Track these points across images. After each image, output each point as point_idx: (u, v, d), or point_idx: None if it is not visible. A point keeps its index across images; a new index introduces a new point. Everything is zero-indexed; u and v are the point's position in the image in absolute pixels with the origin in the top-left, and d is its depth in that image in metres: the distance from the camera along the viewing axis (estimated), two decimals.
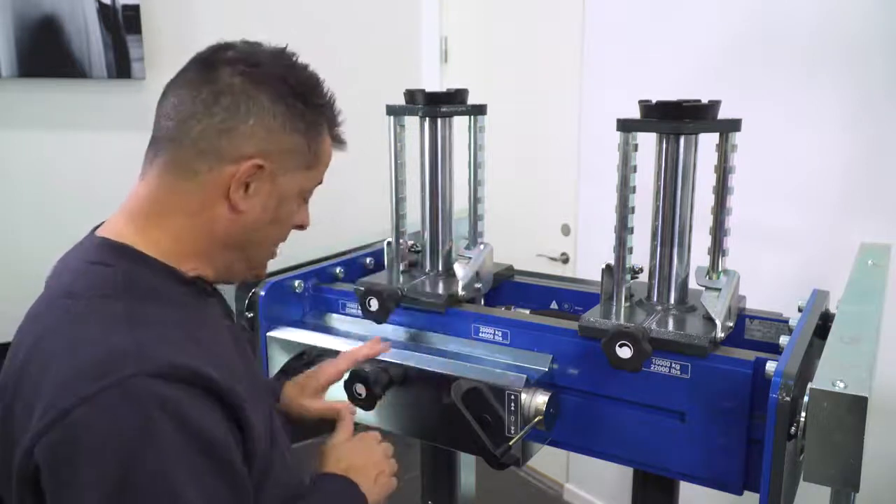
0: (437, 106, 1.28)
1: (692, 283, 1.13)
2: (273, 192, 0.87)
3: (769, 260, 1.89)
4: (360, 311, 1.22)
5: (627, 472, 1.16)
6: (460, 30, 3.08)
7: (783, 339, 0.99)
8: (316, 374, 1.13)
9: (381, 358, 1.16)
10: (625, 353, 0.98)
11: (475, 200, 1.32)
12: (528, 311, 1.33)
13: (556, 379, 1.12)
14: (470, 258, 1.28)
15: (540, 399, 1.06)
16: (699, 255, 1.13)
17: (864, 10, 1.72)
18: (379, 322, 1.21)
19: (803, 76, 1.84)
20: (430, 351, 1.19)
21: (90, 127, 2.47)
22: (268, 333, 1.29)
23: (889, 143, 1.69)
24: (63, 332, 0.77)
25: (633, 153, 1.10)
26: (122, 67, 2.46)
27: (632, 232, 1.13)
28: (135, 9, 2.46)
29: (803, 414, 0.80)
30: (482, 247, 1.30)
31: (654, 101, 1.07)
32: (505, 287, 1.39)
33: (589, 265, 2.52)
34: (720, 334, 1.02)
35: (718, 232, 1.11)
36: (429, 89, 1.28)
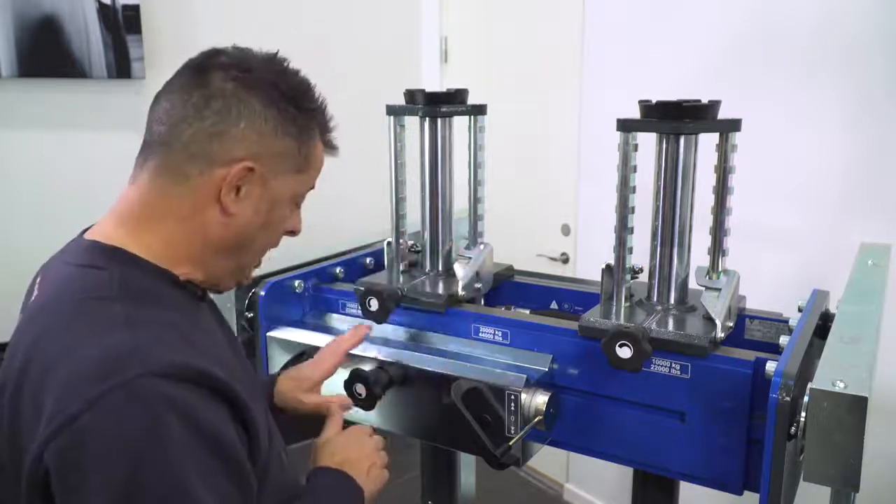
0: (437, 106, 1.28)
1: (692, 283, 1.13)
2: (264, 196, 0.87)
3: (769, 260, 1.89)
4: (360, 311, 1.22)
5: (627, 472, 1.16)
6: (460, 30, 3.08)
7: (783, 339, 0.99)
8: (309, 369, 1.13)
9: (381, 358, 1.16)
10: (625, 353, 0.98)
11: (475, 200, 1.32)
12: (528, 311, 1.33)
13: (556, 379, 1.12)
14: (470, 258, 1.28)
15: (540, 399, 1.06)
16: (699, 255, 1.13)
17: (864, 10, 1.72)
18: (379, 322, 1.21)
19: (803, 76, 1.84)
20: (430, 351, 1.19)
21: (90, 127, 2.47)
22: (268, 333, 1.29)
23: (889, 143, 1.69)
24: (62, 334, 0.77)
25: (633, 153, 1.10)
26: (122, 67, 2.46)
27: (632, 232, 1.13)
28: (135, 9, 2.46)
29: (803, 414, 0.80)
30: (482, 247, 1.30)
31: (654, 101, 1.07)
32: (505, 287, 1.39)
33: (589, 265, 2.52)
34: (720, 334, 1.03)
35: (718, 232, 1.11)
36: (429, 89, 1.28)
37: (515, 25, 2.79)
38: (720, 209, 1.10)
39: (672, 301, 1.13)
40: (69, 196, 2.42)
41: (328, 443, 1.02)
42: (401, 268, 1.35)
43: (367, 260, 1.49)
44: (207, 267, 0.89)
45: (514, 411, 1.05)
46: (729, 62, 1.98)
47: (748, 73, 1.95)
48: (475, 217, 1.32)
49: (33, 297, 0.86)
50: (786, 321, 1.14)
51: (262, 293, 1.28)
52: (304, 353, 1.26)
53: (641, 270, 1.17)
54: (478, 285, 1.28)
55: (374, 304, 1.19)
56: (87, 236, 0.87)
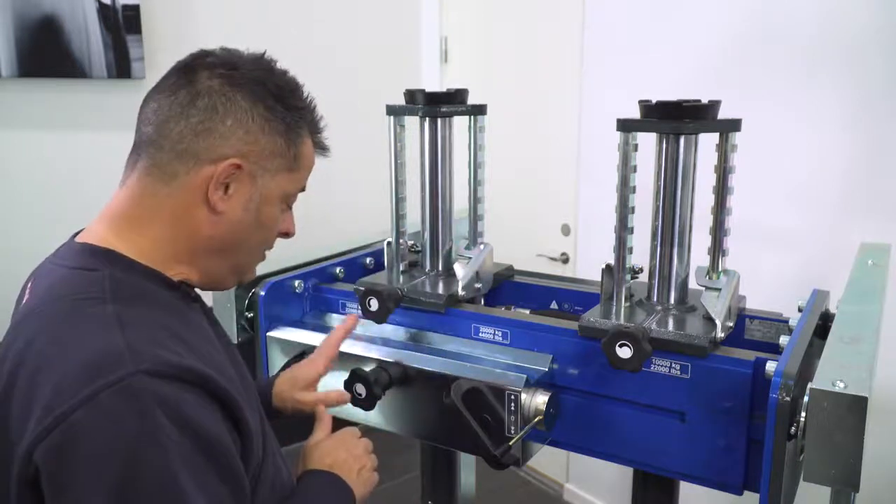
0: (437, 106, 1.28)
1: (692, 283, 1.13)
2: (253, 194, 0.87)
3: (769, 260, 1.89)
4: (360, 312, 1.22)
5: (627, 472, 1.16)
6: (460, 30, 3.08)
7: (783, 339, 0.99)
8: (304, 368, 1.13)
9: (381, 358, 1.16)
10: (625, 353, 0.98)
11: (475, 200, 1.32)
12: (528, 311, 1.33)
13: (556, 379, 1.12)
14: (470, 258, 1.28)
15: (540, 399, 1.06)
16: (699, 255, 1.13)
17: (864, 10, 1.72)
18: (379, 322, 1.21)
19: (803, 76, 1.84)
20: (430, 351, 1.19)
21: (90, 127, 2.47)
22: (268, 333, 1.29)
23: (889, 143, 1.69)
24: (54, 335, 0.77)
25: (633, 153, 1.10)
26: (122, 67, 2.46)
27: (632, 232, 1.13)
28: (135, 9, 2.46)
29: (803, 414, 0.80)
30: (482, 247, 1.30)
31: (654, 101, 1.07)
32: (505, 287, 1.39)
33: (589, 265, 2.52)
34: (720, 334, 1.03)
35: (718, 232, 1.11)
36: (429, 89, 1.28)
37: (515, 25, 2.79)
38: (720, 209, 1.10)
39: (672, 301, 1.13)
40: (69, 196, 2.42)
41: (318, 445, 1.01)
42: (401, 268, 1.35)
43: (367, 260, 1.49)
44: (201, 267, 0.89)
45: (514, 411, 1.05)
46: (729, 62, 1.98)
47: (748, 73, 1.95)
48: (475, 217, 1.32)
49: (24, 301, 0.86)
50: (786, 321, 1.14)
51: (262, 293, 1.28)
52: (304, 353, 1.26)
53: (641, 270, 1.17)
54: (478, 285, 1.28)
55: (374, 304, 1.19)
56: (78, 239, 0.87)
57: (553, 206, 2.69)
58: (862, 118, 1.74)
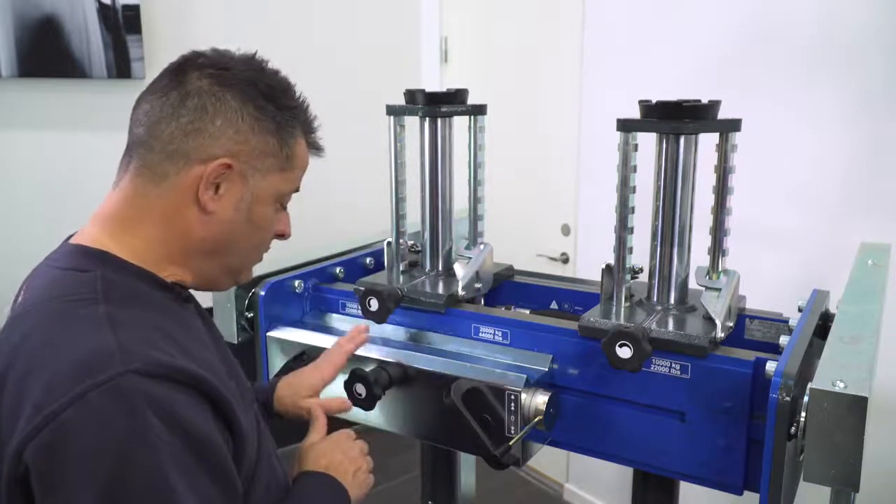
0: (437, 106, 1.28)
1: (692, 283, 1.13)
2: (245, 194, 0.87)
3: (769, 260, 1.90)
4: (360, 311, 1.22)
5: (627, 472, 1.16)
6: (460, 30, 3.08)
7: (783, 339, 0.99)
8: (308, 376, 1.13)
9: (381, 358, 1.16)
10: (625, 353, 0.98)
11: (475, 200, 1.32)
12: (528, 311, 1.33)
13: (556, 379, 1.12)
14: (470, 258, 1.28)
15: (540, 399, 1.06)
16: (699, 255, 1.13)
17: (864, 10, 1.72)
18: (379, 322, 1.21)
19: (803, 76, 1.84)
20: (430, 351, 1.19)
21: (90, 127, 2.47)
22: (268, 333, 1.29)
23: (889, 143, 1.69)
24: (45, 335, 0.77)
25: (633, 153, 1.10)
26: (122, 67, 2.46)
27: (632, 232, 1.13)
28: (135, 9, 2.46)
29: (803, 414, 0.80)
30: (482, 247, 1.30)
31: (654, 101, 1.07)
32: (505, 287, 1.39)
33: (589, 265, 2.52)
34: (720, 334, 1.03)
35: (718, 232, 1.11)
36: (429, 89, 1.28)
37: (515, 25, 2.79)
38: (720, 209, 1.10)
39: (672, 301, 1.13)
40: (69, 196, 2.42)
41: (313, 447, 1.01)
42: (401, 268, 1.35)
43: (367, 260, 1.49)
44: (194, 268, 0.89)
45: (514, 411, 1.05)
46: (729, 62, 1.98)
47: (748, 73, 1.95)
48: (475, 217, 1.32)
49: (17, 302, 0.86)
50: (786, 321, 1.14)
51: (262, 293, 1.28)
52: (303, 354, 1.26)
53: (641, 270, 1.17)
54: (478, 285, 1.28)
55: (374, 304, 1.19)
56: (72, 241, 0.87)
57: (553, 206, 2.69)
58: (862, 118, 1.74)
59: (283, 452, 0.99)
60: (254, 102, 0.86)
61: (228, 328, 1.30)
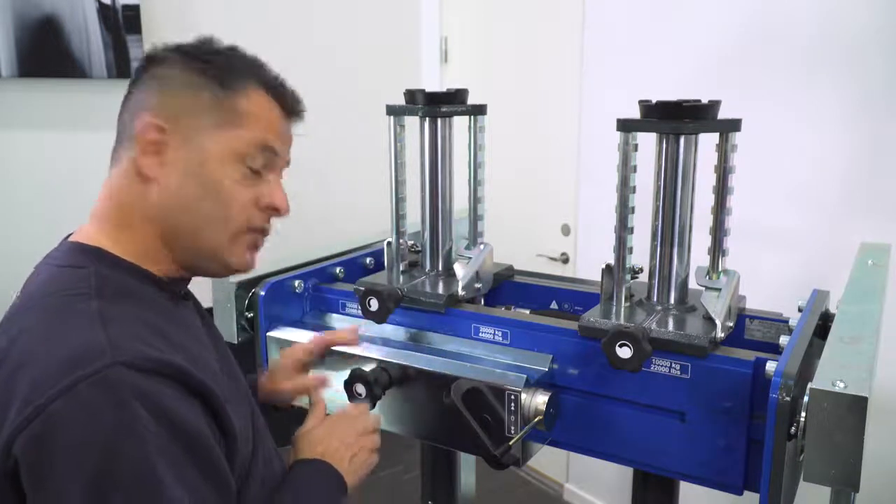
0: (437, 106, 1.28)
1: (692, 283, 1.13)
2: (191, 157, 0.85)
3: (769, 260, 1.90)
4: (360, 311, 1.22)
5: (627, 472, 1.16)
6: (460, 30, 3.08)
7: (783, 339, 0.99)
8: (283, 357, 1.14)
9: (381, 358, 1.16)
10: (625, 353, 0.98)
11: (475, 200, 1.32)
12: (528, 311, 1.33)
13: (556, 379, 1.12)
14: (470, 258, 1.28)
15: (540, 399, 1.06)
16: (699, 255, 1.13)
17: (864, 10, 1.72)
18: (379, 322, 1.21)
19: (803, 76, 1.84)
20: (430, 351, 1.19)
21: (90, 127, 2.46)
22: (268, 333, 1.29)
23: (889, 142, 1.69)
24: (37, 330, 0.78)
25: (633, 153, 1.10)
26: (122, 67, 2.46)
27: (632, 232, 1.13)
28: (135, 9, 2.46)
29: (803, 414, 0.80)
30: (482, 247, 1.30)
31: (654, 101, 1.07)
32: (505, 287, 1.39)
33: (589, 265, 2.52)
34: (720, 334, 1.02)
35: (718, 232, 1.11)
36: (429, 89, 1.28)
37: (515, 25, 2.79)
38: (720, 209, 1.10)
39: (672, 301, 1.13)
40: (69, 196, 2.41)
41: (309, 433, 1.01)
42: (401, 268, 1.35)
43: (367, 260, 1.49)
44: (177, 257, 0.88)
45: (514, 411, 1.05)
46: (729, 62, 1.99)
47: (748, 73, 1.95)
48: (475, 217, 1.32)
49: (14, 300, 0.87)
50: (786, 321, 1.14)
51: (262, 293, 1.28)
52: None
53: (641, 270, 1.17)
54: (478, 285, 1.28)
55: (374, 304, 1.19)
56: (70, 239, 0.89)
57: (553, 206, 2.69)
58: (862, 118, 1.74)
59: (284, 451, 0.99)
60: (180, 64, 0.87)
61: (228, 328, 1.30)
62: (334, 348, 1.20)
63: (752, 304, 1.19)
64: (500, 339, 1.17)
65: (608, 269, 1.15)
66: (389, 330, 1.25)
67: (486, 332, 1.18)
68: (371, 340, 1.23)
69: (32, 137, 2.46)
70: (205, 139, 0.85)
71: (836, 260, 1.62)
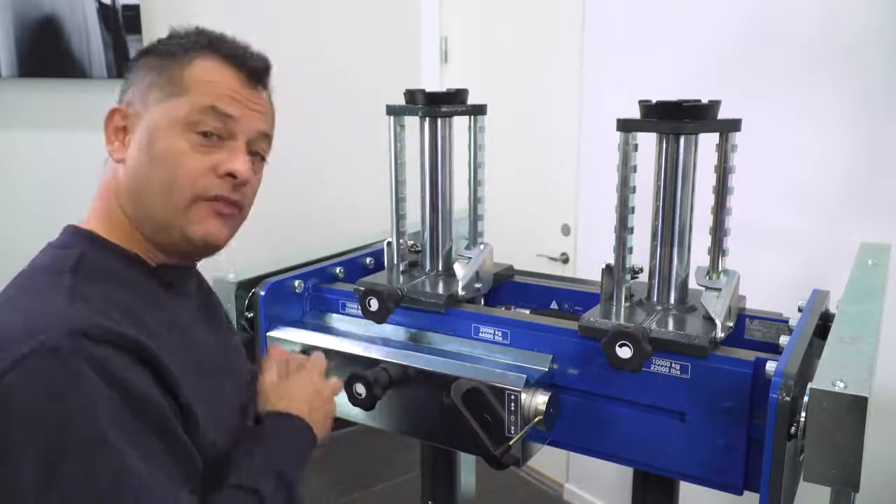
0: (437, 106, 1.28)
1: (692, 283, 1.13)
2: (143, 133, 0.88)
3: (769, 260, 1.90)
4: (360, 311, 1.22)
5: (627, 472, 1.16)
6: (460, 30, 3.08)
7: (783, 339, 0.99)
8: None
9: (381, 358, 1.16)
10: (625, 353, 0.98)
11: (475, 200, 1.32)
12: (528, 311, 1.33)
13: (556, 379, 1.12)
14: (470, 258, 1.28)
15: (540, 399, 1.06)
16: (699, 255, 1.13)
17: (864, 10, 1.72)
18: (379, 322, 1.21)
19: (803, 76, 1.84)
20: (430, 351, 1.19)
21: (90, 127, 2.46)
22: (268, 333, 1.29)
23: (889, 142, 1.69)
24: (7, 304, 0.81)
25: (633, 153, 1.10)
26: (122, 67, 2.46)
27: (632, 232, 1.13)
28: (135, 9, 2.46)
29: (803, 414, 0.80)
30: (482, 247, 1.30)
31: (654, 101, 1.07)
32: (505, 287, 1.39)
33: (589, 265, 2.52)
34: (720, 334, 1.02)
35: (718, 232, 1.11)
36: (429, 89, 1.28)
37: (515, 25, 2.79)
38: (720, 209, 1.10)
39: (672, 301, 1.13)
40: (69, 196, 2.41)
41: (275, 386, 1.02)
42: (401, 268, 1.35)
43: (367, 260, 1.49)
44: (146, 234, 0.90)
45: (514, 411, 1.05)
46: (729, 62, 1.99)
47: (748, 73, 1.95)
48: (475, 217, 1.32)
49: None
50: (786, 321, 1.14)
51: (262, 293, 1.28)
52: (304, 353, 1.26)
53: (641, 270, 1.17)
54: (478, 285, 1.28)
55: (374, 304, 1.19)
56: (69, 223, 0.92)
57: (553, 206, 2.69)
58: (862, 118, 1.74)
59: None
60: (144, 54, 0.92)
61: None
62: (334, 348, 1.20)
63: (752, 304, 1.19)
64: (500, 339, 1.17)
65: (608, 269, 1.15)
66: (389, 330, 1.25)
67: (486, 332, 1.18)
68: (371, 340, 1.23)
69: (32, 137, 2.46)
70: (153, 113, 0.88)
71: (836, 260, 1.62)
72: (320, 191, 2.81)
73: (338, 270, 1.41)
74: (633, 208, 1.12)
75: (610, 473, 2.50)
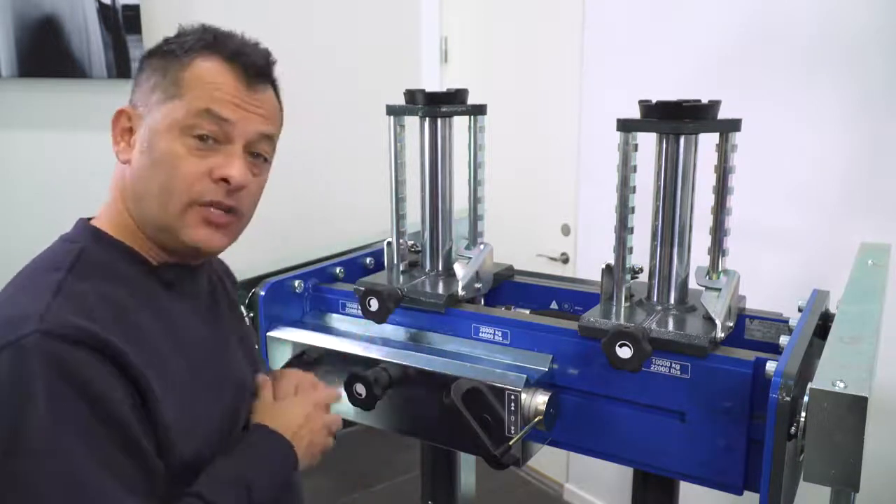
0: (437, 106, 1.28)
1: (692, 283, 1.13)
2: (145, 135, 0.88)
3: (769, 260, 1.90)
4: (360, 311, 1.22)
5: (627, 472, 1.16)
6: (460, 30, 3.08)
7: (783, 339, 0.99)
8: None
9: (381, 358, 1.16)
10: (625, 353, 0.98)
11: (475, 200, 1.32)
12: (528, 311, 1.33)
13: (556, 379, 1.12)
14: (470, 258, 1.28)
15: (540, 399, 1.06)
16: (699, 255, 1.13)
17: (864, 10, 1.72)
18: (379, 322, 1.21)
19: (803, 76, 1.84)
20: (430, 351, 1.19)
21: (90, 127, 2.46)
22: (268, 333, 1.29)
23: (889, 142, 1.69)
24: (2, 296, 0.82)
25: (633, 153, 1.10)
26: (122, 67, 2.46)
27: (632, 232, 1.13)
28: (135, 9, 2.46)
29: (803, 414, 0.80)
30: (482, 247, 1.30)
31: (654, 101, 1.07)
32: (505, 287, 1.39)
33: (589, 265, 2.52)
34: (720, 334, 1.02)
35: (718, 232, 1.11)
36: (429, 89, 1.28)
37: (515, 25, 2.79)
38: (720, 209, 1.10)
39: (672, 301, 1.13)
40: (69, 196, 2.41)
41: (274, 405, 0.99)
42: (401, 268, 1.35)
43: (367, 260, 1.49)
44: (147, 232, 0.90)
45: (514, 411, 1.05)
46: (729, 62, 1.99)
47: (748, 73, 1.95)
48: (475, 217, 1.32)
49: None
50: (786, 321, 1.14)
51: (262, 293, 1.28)
52: (303, 354, 1.26)
53: (641, 270, 1.17)
54: (478, 285, 1.28)
55: (374, 304, 1.19)
56: (82, 217, 0.94)
57: (553, 206, 2.69)
58: (862, 118, 1.74)
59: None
60: (151, 55, 0.92)
61: None
62: (334, 348, 1.20)
63: (752, 304, 1.19)
64: (500, 339, 1.17)
65: (608, 269, 1.15)
66: (389, 330, 1.25)
67: (486, 332, 1.18)
68: (371, 340, 1.23)
69: (32, 137, 2.46)
70: (155, 115, 0.88)
71: (836, 260, 1.62)
72: (320, 191, 2.81)
73: (338, 270, 1.41)
74: (633, 208, 1.12)
75: (610, 473, 2.50)
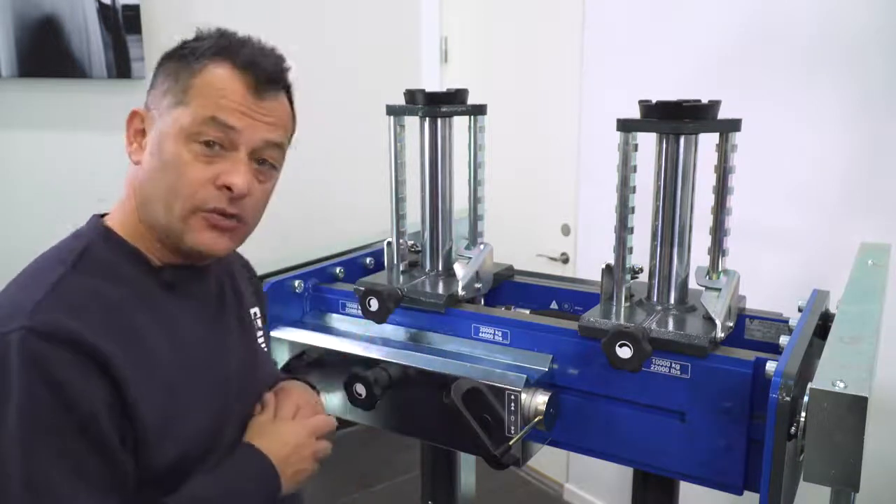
0: (437, 106, 1.28)
1: (692, 283, 1.13)
2: (155, 138, 0.89)
3: (769, 260, 1.89)
4: (360, 311, 1.22)
5: (627, 472, 1.16)
6: (460, 30, 3.08)
7: (783, 339, 0.99)
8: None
9: (381, 358, 1.16)
10: (625, 353, 0.98)
11: (475, 200, 1.32)
12: (528, 311, 1.33)
13: (556, 379, 1.12)
14: (470, 258, 1.28)
15: (540, 399, 1.06)
16: (699, 255, 1.13)
17: (864, 10, 1.72)
18: (379, 322, 1.21)
19: (803, 76, 1.84)
20: (430, 351, 1.19)
21: (90, 127, 2.47)
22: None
23: (889, 142, 1.69)
24: (5, 289, 0.84)
25: (633, 153, 1.10)
26: (122, 67, 2.46)
27: (632, 232, 1.13)
28: (135, 9, 2.46)
29: (803, 414, 0.80)
30: (482, 247, 1.30)
31: (654, 101, 1.07)
32: (505, 287, 1.39)
33: (589, 265, 2.52)
34: (720, 334, 1.02)
35: (718, 232, 1.11)
36: (429, 89, 1.28)
37: (515, 25, 2.79)
38: (720, 209, 1.10)
39: (672, 301, 1.13)
40: (69, 196, 2.42)
41: (271, 425, 0.98)
42: (401, 268, 1.35)
43: (367, 260, 1.49)
44: (155, 234, 0.90)
45: (514, 411, 1.05)
46: (729, 62, 1.98)
47: (748, 73, 1.95)
48: (475, 217, 1.32)
49: None
50: (786, 321, 1.14)
51: None
52: (303, 354, 1.26)
53: (641, 270, 1.17)
54: (478, 285, 1.28)
55: (374, 304, 1.19)
56: (96, 214, 0.95)
57: (553, 206, 2.69)
58: (862, 118, 1.74)
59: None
60: (167, 57, 0.93)
61: None
62: (334, 348, 1.20)
63: (752, 304, 1.19)
64: (500, 339, 1.17)
65: (608, 269, 1.15)
66: (389, 330, 1.25)
67: (486, 332, 1.18)
68: (371, 340, 1.23)
69: (32, 137, 2.46)
70: (166, 119, 0.88)
71: (836, 260, 1.62)
72: (320, 191, 2.81)
73: (338, 270, 1.41)
74: (633, 208, 1.12)
75: (610, 473, 2.50)
